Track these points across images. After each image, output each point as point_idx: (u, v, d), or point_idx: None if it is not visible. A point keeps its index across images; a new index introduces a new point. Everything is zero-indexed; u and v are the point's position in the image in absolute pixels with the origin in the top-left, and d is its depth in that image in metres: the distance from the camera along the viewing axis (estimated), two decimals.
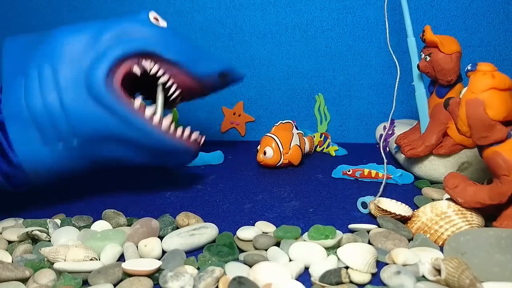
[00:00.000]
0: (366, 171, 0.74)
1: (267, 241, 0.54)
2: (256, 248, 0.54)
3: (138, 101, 0.63)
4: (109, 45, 0.61)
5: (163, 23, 0.67)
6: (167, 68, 0.66)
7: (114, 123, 0.60)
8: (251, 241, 0.55)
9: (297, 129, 0.96)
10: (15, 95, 0.59)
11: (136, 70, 0.64)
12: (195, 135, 0.68)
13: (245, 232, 0.56)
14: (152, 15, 0.66)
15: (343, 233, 0.55)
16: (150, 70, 0.65)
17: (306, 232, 0.55)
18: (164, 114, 0.68)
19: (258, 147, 0.84)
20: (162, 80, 0.67)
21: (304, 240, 0.54)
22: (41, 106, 0.59)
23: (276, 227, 0.58)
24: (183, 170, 0.85)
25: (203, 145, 0.71)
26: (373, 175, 0.74)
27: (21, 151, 0.60)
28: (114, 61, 0.61)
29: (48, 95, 0.59)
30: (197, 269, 0.50)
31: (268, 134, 0.84)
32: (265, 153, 0.82)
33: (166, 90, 0.69)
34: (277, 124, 0.87)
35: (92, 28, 0.63)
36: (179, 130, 0.66)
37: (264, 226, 0.59)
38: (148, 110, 0.63)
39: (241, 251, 0.54)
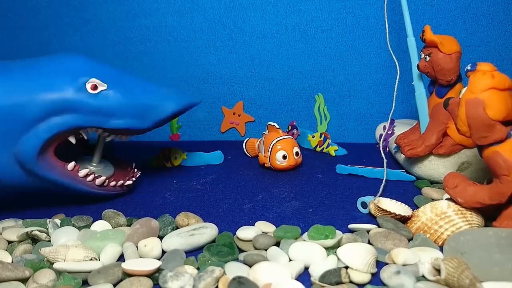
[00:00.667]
0: None
1: (267, 241, 0.54)
2: (256, 248, 0.54)
3: (71, 164, 0.66)
4: (42, 121, 0.60)
5: (102, 87, 0.64)
6: (114, 133, 0.68)
7: (45, 185, 0.65)
8: (251, 241, 0.55)
9: (296, 129, 0.96)
10: None
11: (72, 139, 0.66)
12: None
13: (245, 232, 0.56)
14: (89, 85, 0.63)
15: (343, 233, 0.55)
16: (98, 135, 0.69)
17: (306, 232, 0.55)
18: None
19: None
20: (108, 139, 0.70)
21: (304, 240, 0.54)
22: None
23: (276, 227, 0.58)
24: (183, 170, 0.85)
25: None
26: None
27: None
28: (47, 139, 0.61)
29: None
30: (197, 269, 0.50)
31: (283, 137, 0.81)
32: (297, 154, 0.81)
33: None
34: (265, 132, 0.88)
35: (22, 90, 0.60)
36: (112, 183, 0.70)
37: (264, 226, 0.59)
38: (82, 172, 0.67)
39: (241, 251, 0.54)
